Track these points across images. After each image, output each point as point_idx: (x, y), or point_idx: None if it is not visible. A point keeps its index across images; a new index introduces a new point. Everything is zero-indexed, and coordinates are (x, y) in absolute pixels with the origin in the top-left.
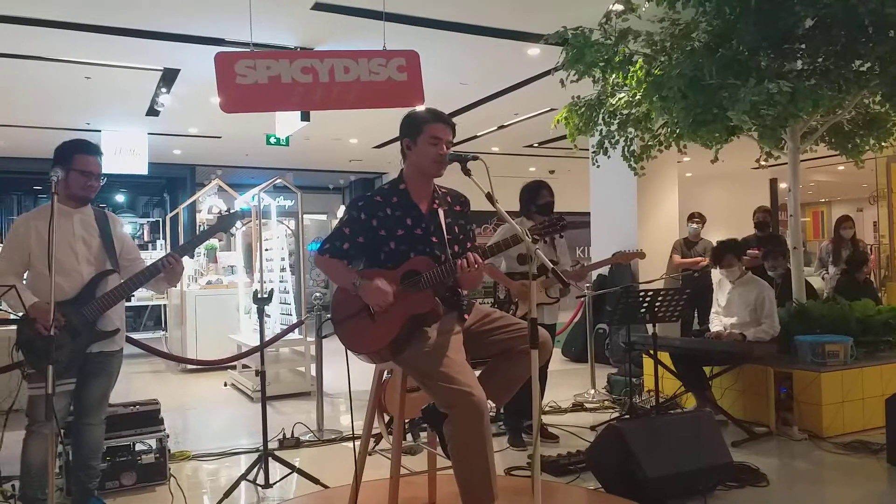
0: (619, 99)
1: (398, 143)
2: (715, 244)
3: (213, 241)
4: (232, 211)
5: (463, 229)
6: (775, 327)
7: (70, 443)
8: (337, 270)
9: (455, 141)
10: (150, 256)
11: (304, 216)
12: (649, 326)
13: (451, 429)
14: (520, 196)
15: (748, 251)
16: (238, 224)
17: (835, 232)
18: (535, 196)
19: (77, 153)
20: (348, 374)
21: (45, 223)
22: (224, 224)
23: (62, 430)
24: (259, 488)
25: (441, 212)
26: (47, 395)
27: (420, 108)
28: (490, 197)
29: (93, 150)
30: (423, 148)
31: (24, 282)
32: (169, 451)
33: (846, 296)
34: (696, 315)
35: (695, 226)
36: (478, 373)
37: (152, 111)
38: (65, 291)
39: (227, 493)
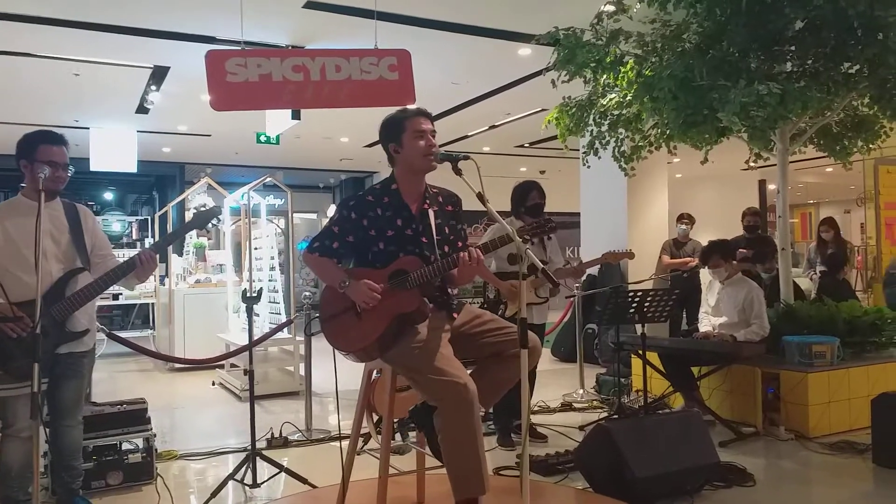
0: (610, 99)
1: (382, 145)
2: (704, 245)
3: (202, 240)
4: (208, 207)
5: (454, 229)
6: (765, 328)
7: (50, 443)
8: (325, 269)
9: (446, 140)
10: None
11: (294, 215)
12: (638, 326)
13: (441, 421)
14: (511, 196)
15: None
16: (215, 220)
17: (817, 234)
18: (525, 198)
19: (41, 144)
20: (335, 374)
21: (11, 220)
22: (199, 221)
23: (45, 430)
24: (247, 488)
25: (431, 212)
26: (32, 394)
27: (392, 110)
28: (481, 197)
29: (57, 139)
30: (410, 145)
31: None
32: (156, 450)
33: (825, 295)
34: (684, 315)
35: (684, 226)
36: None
37: (142, 109)
38: (33, 290)
39: (215, 493)
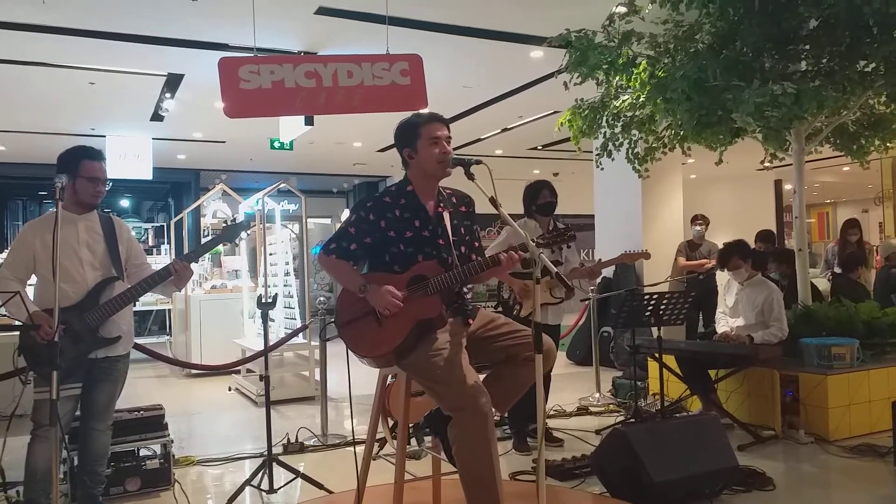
0: (623, 101)
1: (397, 149)
2: (720, 246)
3: (218, 246)
4: (237, 221)
5: (469, 230)
6: (784, 330)
7: (76, 448)
8: (343, 272)
9: (459, 143)
10: (155, 261)
11: (308, 220)
12: (654, 329)
13: (456, 432)
14: (522, 196)
15: None
16: (244, 233)
17: (841, 235)
18: (536, 196)
19: (84, 160)
20: (349, 379)
21: (48, 230)
22: (229, 234)
23: (66, 436)
24: (263, 493)
25: (447, 214)
26: (51, 401)
27: (408, 114)
28: (493, 201)
29: (98, 155)
30: (424, 151)
31: (33, 288)
32: (173, 456)
33: (840, 296)
34: (700, 318)
35: (698, 228)
36: (481, 377)
37: (157, 116)
38: (70, 297)
39: (232, 499)
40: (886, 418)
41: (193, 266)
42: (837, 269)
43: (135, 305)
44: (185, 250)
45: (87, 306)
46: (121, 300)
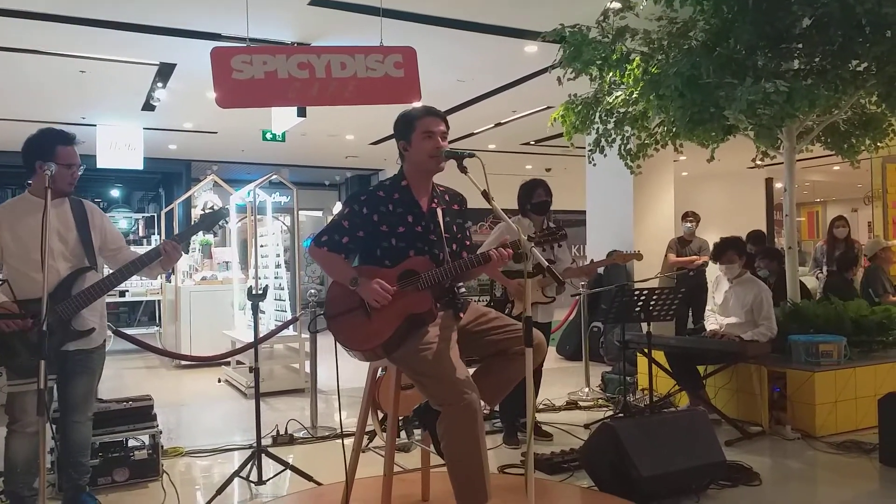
0: (616, 97)
1: (395, 140)
2: (710, 243)
3: (208, 237)
4: (216, 209)
5: (461, 228)
6: (773, 329)
7: (58, 439)
8: (335, 264)
9: (452, 138)
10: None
11: (300, 212)
12: (644, 325)
13: (444, 426)
14: (517, 194)
15: None
16: (222, 222)
17: (828, 232)
18: (531, 195)
19: (60, 145)
20: (337, 371)
21: (18, 218)
22: (206, 223)
23: (52, 427)
24: (252, 485)
25: (440, 211)
26: (39, 391)
27: (409, 107)
28: (486, 195)
29: (71, 139)
30: (418, 145)
31: None
32: (162, 447)
33: (832, 294)
34: (690, 314)
35: (689, 225)
36: (471, 371)
37: (148, 106)
38: (40, 288)
39: (220, 490)
40: (872, 415)
41: (184, 257)
42: (832, 267)
43: (123, 296)
44: None
45: (58, 297)
46: (99, 288)
